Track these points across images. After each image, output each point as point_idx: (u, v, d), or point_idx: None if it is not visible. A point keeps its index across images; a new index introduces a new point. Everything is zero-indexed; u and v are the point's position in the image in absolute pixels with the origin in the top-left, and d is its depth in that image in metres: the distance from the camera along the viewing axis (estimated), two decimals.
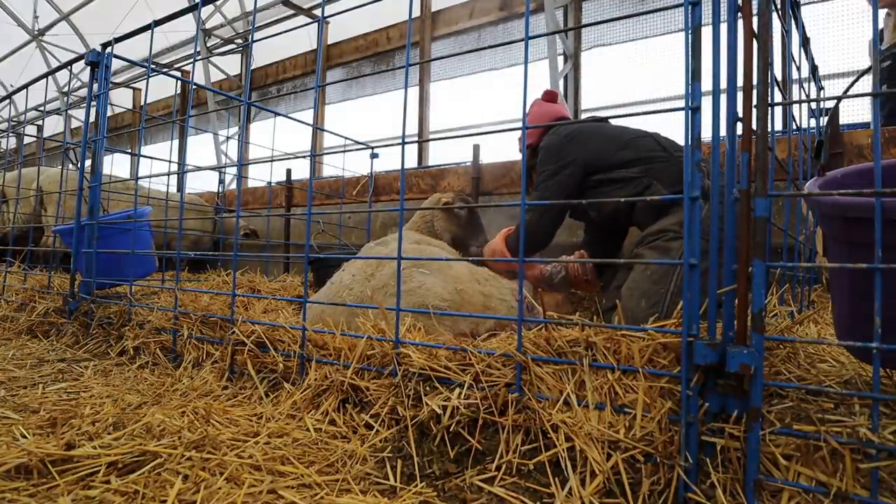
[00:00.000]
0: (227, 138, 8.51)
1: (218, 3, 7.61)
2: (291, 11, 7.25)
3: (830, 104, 1.98)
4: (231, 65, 8.57)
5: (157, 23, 2.06)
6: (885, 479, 0.76)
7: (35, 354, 1.84)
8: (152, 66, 2.12)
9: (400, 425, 1.08)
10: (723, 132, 0.92)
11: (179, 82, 7.10)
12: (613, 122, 2.48)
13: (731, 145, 0.90)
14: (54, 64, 10.29)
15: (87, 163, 2.40)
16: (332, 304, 1.74)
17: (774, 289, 1.50)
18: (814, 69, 1.97)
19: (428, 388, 1.11)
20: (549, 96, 2.68)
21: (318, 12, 7.12)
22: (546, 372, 1.06)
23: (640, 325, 1.05)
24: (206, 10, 7.55)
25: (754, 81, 0.86)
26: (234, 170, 6.25)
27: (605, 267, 2.48)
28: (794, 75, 1.60)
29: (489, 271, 1.96)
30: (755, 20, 0.86)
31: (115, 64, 2.43)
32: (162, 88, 9.54)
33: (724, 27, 0.91)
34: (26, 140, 11.30)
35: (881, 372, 0.87)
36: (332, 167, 6.88)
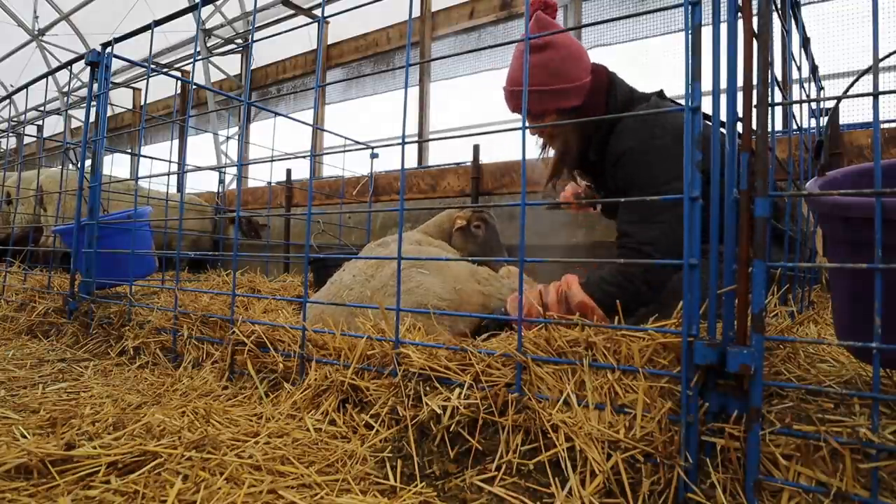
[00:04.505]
0: (227, 138, 8.51)
1: (218, 3, 7.61)
2: (291, 11, 7.24)
3: (830, 104, 1.98)
4: (231, 65, 8.57)
5: (157, 23, 2.06)
6: (885, 479, 0.76)
7: (35, 354, 1.84)
8: (152, 66, 2.12)
9: (400, 425, 1.08)
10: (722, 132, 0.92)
11: (179, 82, 7.10)
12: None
13: (731, 145, 0.90)
14: (54, 64, 10.28)
15: (87, 163, 2.40)
16: (332, 305, 1.74)
17: (775, 289, 1.50)
18: (814, 69, 1.97)
19: (428, 389, 1.11)
20: (550, 11, 1.75)
21: (318, 12, 7.12)
22: (546, 372, 1.06)
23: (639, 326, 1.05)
24: (206, 10, 7.55)
25: (754, 81, 0.85)
26: (234, 170, 6.25)
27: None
28: (795, 75, 1.60)
29: (489, 270, 1.96)
30: (755, 20, 0.86)
31: (115, 64, 2.43)
32: (162, 88, 9.53)
33: (724, 27, 0.91)
34: (26, 140, 11.30)
35: (881, 372, 0.87)
36: (332, 167, 6.88)
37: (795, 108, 1.71)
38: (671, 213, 1.46)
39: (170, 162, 2.38)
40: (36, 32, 10.18)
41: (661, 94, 1.77)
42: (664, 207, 1.46)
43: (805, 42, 1.73)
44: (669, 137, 1.51)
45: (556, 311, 1.44)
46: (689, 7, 0.94)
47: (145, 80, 2.12)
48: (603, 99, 1.65)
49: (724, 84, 0.91)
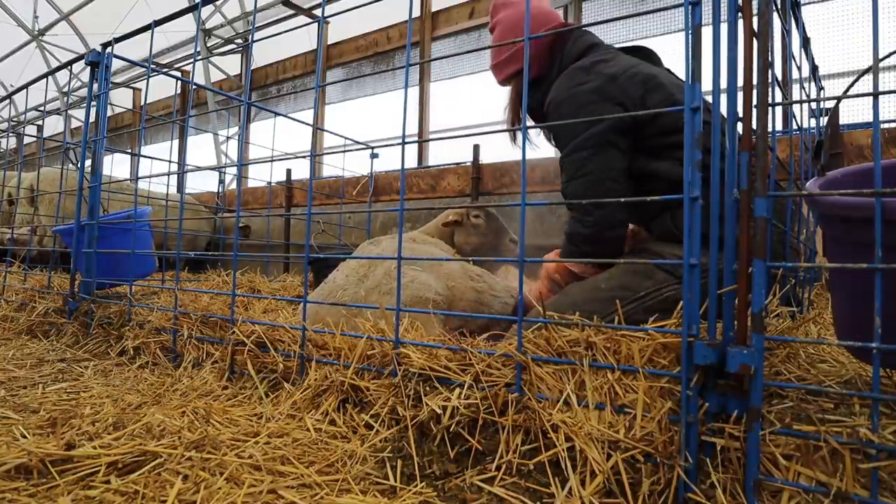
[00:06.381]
0: (227, 138, 8.51)
1: (218, 3, 7.61)
2: (291, 11, 7.24)
3: (830, 104, 1.98)
4: (231, 65, 8.57)
5: (157, 23, 2.06)
6: (885, 479, 0.76)
7: (35, 354, 1.84)
8: (152, 66, 2.12)
9: (400, 425, 1.08)
10: None
11: (179, 82, 7.10)
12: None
13: (731, 145, 0.90)
14: (54, 64, 10.29)
15: (88, 163, 2.40)
16: (333, 305, 1.74)
17: (777, 289, 1.50)
18: (814, 69, 1.97)
19: (428, 389, 1.11)
20: None
21: (318, 12, 7.12)
22: (546, 372, 1.06)
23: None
24: (206, 10, 7.55)
25: (754, 81, 0.85)
26: (234, 170, 6.24)
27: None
28: (795, 75, 1.60)
29: (481, 269, 1.98)
30: (755, 20, 0.86)
31: (115, 64, 2.43)
32: (162, 88, 9.54)
33: (724, 27, 0.91)
34: (26, 140, 11.30)
35: (881, 372, 0.87)
36: (332, 167, 6.88)
37: (795, 108, 1.71)
38: (593, 163, 1.44)
39: (170, 162, 2.38)
40: (36, 32, 10.18)
41: (633, 49, 1.71)
42: (586, 159, 1.46)
43: (805, 42, 1.73)
44: (598, 81, 1.46)
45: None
46: (689, 7, 0.94)
47: (145, 80, 2.12)
48: (547, 55, 1.69)
49: (724, 84, 0.91)
